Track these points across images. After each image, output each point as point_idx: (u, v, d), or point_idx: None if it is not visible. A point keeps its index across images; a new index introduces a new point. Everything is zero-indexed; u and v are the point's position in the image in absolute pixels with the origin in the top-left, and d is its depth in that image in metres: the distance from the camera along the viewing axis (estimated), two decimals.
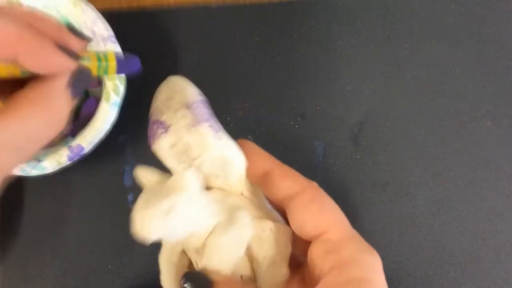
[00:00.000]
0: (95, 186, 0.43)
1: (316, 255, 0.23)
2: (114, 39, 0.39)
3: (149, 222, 0.22)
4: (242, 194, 0.27)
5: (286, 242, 0.26)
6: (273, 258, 0.25)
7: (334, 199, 0.25)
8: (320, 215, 0.24)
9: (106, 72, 0.23)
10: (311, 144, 0.43)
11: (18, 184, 0.43)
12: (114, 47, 0.39)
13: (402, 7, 0.45)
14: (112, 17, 0.40)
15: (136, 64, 0.25)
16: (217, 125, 0.25)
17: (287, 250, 0.26)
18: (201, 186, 0.25)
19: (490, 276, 0.41)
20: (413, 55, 0.44)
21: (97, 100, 0.41)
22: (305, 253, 0.25)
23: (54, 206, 0.43)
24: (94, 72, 0.23)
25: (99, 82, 0.42)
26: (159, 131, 0.25)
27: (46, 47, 0.20)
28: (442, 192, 0.42)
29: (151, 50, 0.46)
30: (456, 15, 0.45)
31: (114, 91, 0.38)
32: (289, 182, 0.25)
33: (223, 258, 0.24)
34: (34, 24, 0.21)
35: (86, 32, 0.41)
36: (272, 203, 0.27)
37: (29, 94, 0.21)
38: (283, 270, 0.25)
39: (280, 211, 0.27)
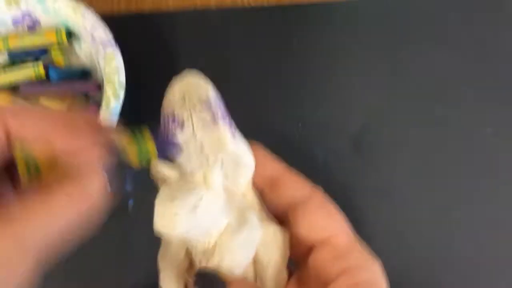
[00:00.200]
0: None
1: (323, 260, 0.24)
2: (113, 43, 0.39)
3: (174, 217, 0.22)
4: (244, 196, 0.27)
5: (286, 245, 0.26)
6: (277, 261, 0.25)
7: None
8: (327, 221, 0.24)
9: (145, 156, 0.23)
10: (312, 150, 0.43)
11: None
12: (114, 52, 0.38)
13: (402, 13, 0.45)
14: (111, 21, 0.40)
15: (174, 148, 0.25)
16: (233, 125, 0.25)
17: (287, 253, 0.26)
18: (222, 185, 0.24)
19: (491, 284, 0.41)
20: (414, 61, 0.44)
21: (97, 105, 0.41)
22: (301, 257, 0.26)
23: None
24: (136, 163, 0.23)
25: (99, 88, 0.42)
26: (173, 126, 0.25)
27: (82, 138, 0.20)
28: (443, 199, 0.42)
29: (150, 53, 0.45)
30: (457, 20, 0.45)
31: (113, 96, 0.38)
32: (296, 187, 0.25)
33: (235, 258, 0.23)
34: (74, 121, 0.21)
35: (85, 36, 0.41)
36: (268, 208, 0.27)
37: (68, 189, 0.20)
38: (285, 273, 0.26)
39: (276, 217, 0.27)
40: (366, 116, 0.43)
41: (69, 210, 0.19)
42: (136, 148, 0.23)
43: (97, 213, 0.21)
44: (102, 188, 0.21)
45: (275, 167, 0.26)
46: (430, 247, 0.41)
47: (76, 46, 0.44)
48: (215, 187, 0.23)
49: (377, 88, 0.44)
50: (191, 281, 0.25)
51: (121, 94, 0.38)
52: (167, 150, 0.24)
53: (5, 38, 0.42)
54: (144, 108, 0.44)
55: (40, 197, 0.19)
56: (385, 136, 0.43)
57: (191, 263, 0.26)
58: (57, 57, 0.43)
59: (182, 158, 0.25)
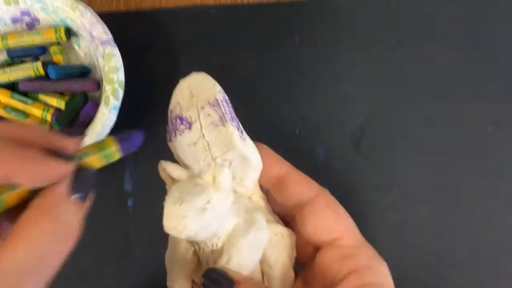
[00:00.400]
0: (94, 190, 0.42)
1: (331, 260, 0.24)
2: (113, 43, 0.38)
3: (184, 218, 0.22)
4: (250, 197, 0.27)
5: (293, 246, 0.26)
6: (284, 262, 0.25)
7: None
8: (334, 222, 0.24)
9: (110, 159, 0.22)
10: (313, 148, 0.43)
11: None
12: (113, 51, 0.38)
13: (403, 11, 0.45)
14: (111, 19, 0.40)
15: (138, 139, 0.23)
16: (241, 126, 0.25)
17: (294, 254, 0.26)
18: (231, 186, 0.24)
19: (492, 281, 0.41)
20: (414, 58, 0.44)
21: (96, 104, 0.41)
22: (307, 258, 0.26)
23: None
24: (98, 164, 0.22)
25: (98, 86, 0.42)
26: (182, 127, 0.25)
27: (33, 157, 0.19)
28: (444, 196, 0.42)
29: (149, 51, 0.45)
30: (457, 18, 0.45)
31: (113, 95, 0.38)
32: (303, 187, 0.25)
33: (243, 259, 0.23)
34: (19, 135, 0.20)
35: (85, 34, 0.40)
36: (274, 209, 0.27)
37: (33, 212, 0.20)
38: (292, 274, 0.26)
39: (282, 218, 0.27)
40: (366, 114, 0.43)
41: (39, 233, 0.19)
42: (98, 153, 0.22)
43: (72, 227, 0.21)
44: (69, 200, 0.21)
45: (282, 167, 0.26)
46: (430, 244, 0.41)
47: (75, 44, 0.44)
48: (224, 187, 0.23)
49: (377, 85, 0.44)
50: (198, 281, 0.25)
51: (121, 92, 0.38)
52: (131, 145, 0.24)
53: (4, 37, 0.42)
54: (143, 106, 0.44)
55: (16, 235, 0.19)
56: (386, 134, 0.43)
57: (198, 263, 0.26)
58: (56, 56, 0.43)
59: (189, 159, 0.25)
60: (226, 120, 0.24)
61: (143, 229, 0.42)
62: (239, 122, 0.25)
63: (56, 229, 0.20)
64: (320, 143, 0.43)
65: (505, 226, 0.41)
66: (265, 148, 0.26)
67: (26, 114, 0.41)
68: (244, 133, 0.25)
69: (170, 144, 0.26)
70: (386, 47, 0.45)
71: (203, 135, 0.24)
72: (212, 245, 0.24)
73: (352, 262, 0.23)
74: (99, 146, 0.22)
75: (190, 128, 0.25)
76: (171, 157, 0.27)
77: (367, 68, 0.44)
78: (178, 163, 0.26)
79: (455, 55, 0.44)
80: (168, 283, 0.26)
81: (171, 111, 0.26)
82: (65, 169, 0.20)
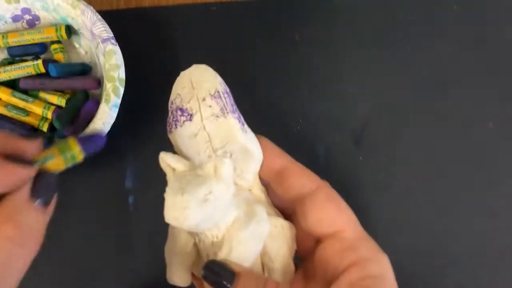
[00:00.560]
0: (95, 187, 0.42)
1: (332, 252, 0.24)
2: (114, 40, 0.39)
3: (186, 209, 0.22)
4: (250, 190, 0.26)
5: (293, 239, 0.26)
6: (284, 255, 0.25)
7: None
8: (335, 214, 0.24)
9: (74, 159, 0.23)
10: (313, 146, 0.43)
11: None
12: (114, 48, 0.38)
13: (403, 9, 0.45)
14: (111, 17, 0.40)
15: (100, 140, 0.24)
16: (242, 118, 0.25)
17: (294, 247, 0.26)
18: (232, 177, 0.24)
19: (492, 279, 0.41)
20: (415, 56, 0.44)
21: (97, 102, 0.41)
22: (307, 250, 0.26)
23: (55, 208, 0.42)
24: (62, 166, 0.22)
25: (99, 84, 0.42)
26: (182, 118, 0.25)
27: None
28: (444, 194, 0.42)
29: (150, 49, 0.45)
30: (458, 16, 0.45)
31: (114, 93, 0.38)
32: (304, 180, 0.25)
33: (243, 251, 0.23)
34: None
35: (85, 33, 0.40)
36: (274, 202, 0.27)
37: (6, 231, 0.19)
38: (292, 266, 0.26)
39: (282, 211, 0.27)
40: (367, 111, 0.43)
41: (7, 248, 0.19)
42: (61, 155, 0.22)
43: (34, 232, 0.21)
44: (30, 205, 0.20)
45: (283, 160, 0.26)
46: (430, 241, 0.41)
47: (75, 42, 0.44)
48: (226, 179, 0.23)
49: (378, 83, 0.44)
50: (198, 274, 0.25)
51: (121, 90, 0.38)
52: (93, 145, 0.24)
53: (5, 35, 0.42)
54: (144, 104, 0.44)
55: None
56: (386, 131, 0.43)
57: (198, 256, 0.26)
58: (57, 54, 0.43)
59: (190, 150, 0.25)
60: (227, 111, 0.24)
61: (144, 226, 0.42)
62: (240, 114, 0.25)
63: (18, 235, 0.20)
64: (320, 141, 0.43)
65: (506, 223, 0.41)
66: (266, 140, 0.26)
67: (26, 112, 0.41)
68: (246, 125, 0.25)
69: (170, 136, 0.26)
70: (386, 45, 0.45)
71: (204, 127, 0.24)
72: (213, 237, 0.24)
73: (353, 254, 0.23)
74: (61, 148, 0.22)
75: (190, 119, 0.24)
76: (172, 152, 0.26)
77: (368, 66, 0.44)
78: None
79: (456, 53, 0.44)
80: (168, 275, 0.26)
81: (172, 103, 0.26)
82: (26, 173, 0.20)
